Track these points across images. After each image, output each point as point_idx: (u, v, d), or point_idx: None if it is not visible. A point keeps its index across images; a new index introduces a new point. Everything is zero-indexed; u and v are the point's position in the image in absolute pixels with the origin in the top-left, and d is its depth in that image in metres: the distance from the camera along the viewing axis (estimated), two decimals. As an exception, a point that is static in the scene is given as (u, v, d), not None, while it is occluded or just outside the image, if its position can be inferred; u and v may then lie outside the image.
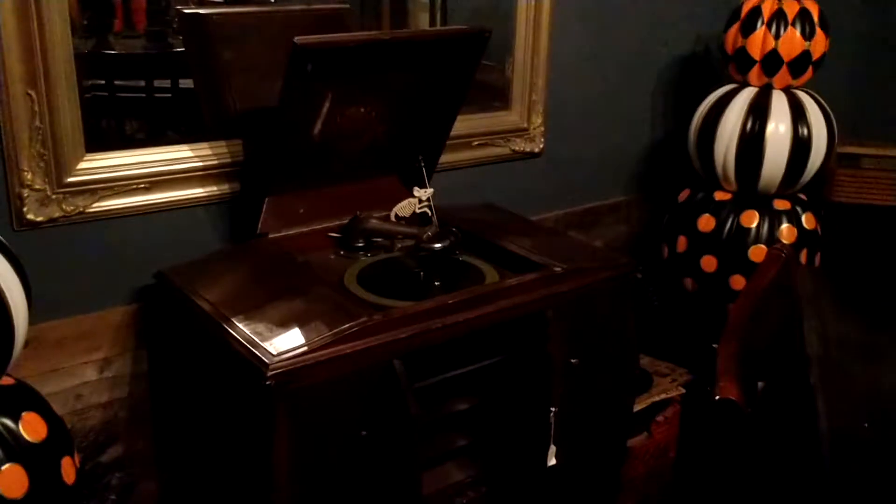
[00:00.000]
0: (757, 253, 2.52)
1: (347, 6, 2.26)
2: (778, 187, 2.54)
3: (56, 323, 1.79)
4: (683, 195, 2.73)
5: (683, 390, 2.54)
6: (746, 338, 1.37)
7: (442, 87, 2.02)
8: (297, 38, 1.62)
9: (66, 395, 1.84)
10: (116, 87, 2.11)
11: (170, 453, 1.97)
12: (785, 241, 2.52)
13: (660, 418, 2.50)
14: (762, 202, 2.58)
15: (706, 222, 2.60)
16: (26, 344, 1.67)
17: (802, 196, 2.67)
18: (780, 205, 2.58)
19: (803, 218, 2.58)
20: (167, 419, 1.94)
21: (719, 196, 2.63)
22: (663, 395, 2.48)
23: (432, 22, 2.47)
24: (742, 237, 2.55)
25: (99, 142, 1.81)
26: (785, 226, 2.54)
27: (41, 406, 1.41)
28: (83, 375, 1.86)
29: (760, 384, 1.43)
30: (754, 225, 2.54)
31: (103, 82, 2.07)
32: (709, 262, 2.59)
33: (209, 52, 1.96)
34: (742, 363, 1.29)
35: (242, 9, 2.12)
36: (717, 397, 1.17)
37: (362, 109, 1.95)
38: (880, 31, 3.49)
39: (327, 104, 1.87)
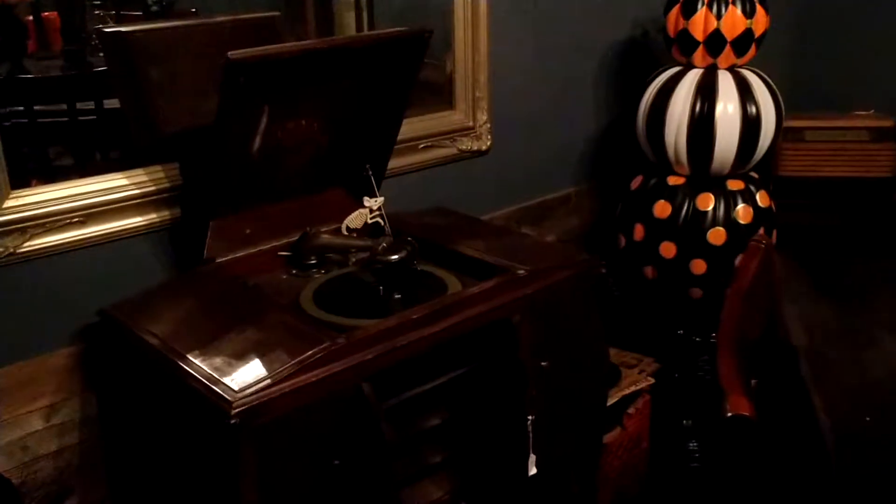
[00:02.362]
0: (715, 236, 2.49)
1: (277, 13, 2.16)
2: (731, 168, 2.51)
3: (-6, 373, 1.69)
4: (636, 182, 2.69)
5: (653, 380, 2.51)
6: (740, 341, 1.32)
7: (384, 92, 1.95)
8: (230, 53, 1.53)
9: (12, 448, 1.74)
10: (37, 113, 2.00)
11: (129, 500, 1.86)
12: (742, 222, 2.50)
13: (631, 410, 2.46)
14: (716, 184, 2.55)
15: (662, 208, 2.56)
16: (-39, 400, 1.57)
17: (754, 174, 2.65)
18: (734, 185, 2.55)
19: (758, 196, 2.56)
20: (123, 464, 1.83)
21: (673, 181, 2.59)
22: (633, 388, 2.44)
23: (358, 22, 2.40)
24: (699, 221, 2.52)
25: (25, 175, 1.71)
26: (741, 206, 2.52)
27: (-18, 469, 1.31)
28: (28, 426, 1.76)
29: (753, 381, 1.39)
30: (710, 207, 2.51)
31: (22, 108, 1.96)
32: (668, 249, 2.55)
33: (134, 72, 1.85)
34: (743, 372, 1.24)
35: (167, 24, 2.02)
36: (729, 414, 1.11)
37: (303, 122, 1.87)
38: (813, 2, 3.51)
39: (265, 119, 1.79)
